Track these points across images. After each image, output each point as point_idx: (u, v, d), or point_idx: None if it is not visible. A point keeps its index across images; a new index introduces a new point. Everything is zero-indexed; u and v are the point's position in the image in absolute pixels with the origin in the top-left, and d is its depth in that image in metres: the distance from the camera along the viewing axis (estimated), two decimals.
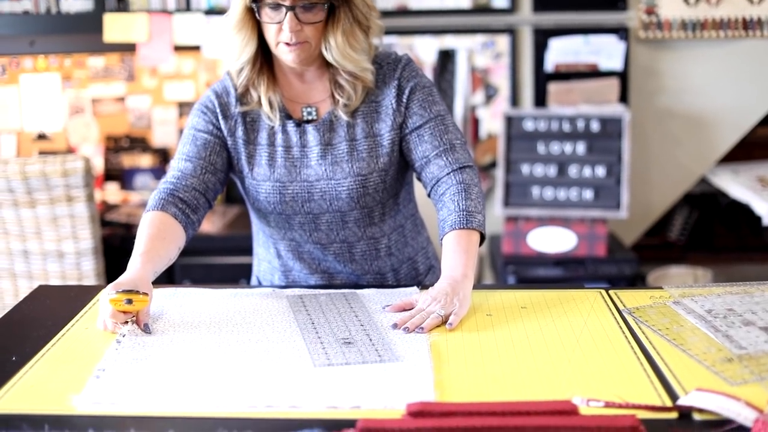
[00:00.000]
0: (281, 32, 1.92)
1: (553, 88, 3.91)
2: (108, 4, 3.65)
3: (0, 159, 3.08)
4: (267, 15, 1.92)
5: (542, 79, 3.97)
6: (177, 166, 2.07)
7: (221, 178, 2.09)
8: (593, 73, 3.95)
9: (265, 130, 2.07)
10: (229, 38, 2.00)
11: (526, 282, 3.67)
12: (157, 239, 1.94)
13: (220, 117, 2.07)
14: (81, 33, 3.72)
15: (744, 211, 4.23)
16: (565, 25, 3.95)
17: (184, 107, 4.13)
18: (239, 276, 3.41)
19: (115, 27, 3.65)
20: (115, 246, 3.36)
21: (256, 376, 1.50)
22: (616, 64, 3.94)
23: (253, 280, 2.33)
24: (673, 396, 1.41)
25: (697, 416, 1.34)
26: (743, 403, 1.32)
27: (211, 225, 3.51)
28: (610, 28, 3.93)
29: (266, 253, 2.23)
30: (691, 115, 4.01)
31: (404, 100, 2.05)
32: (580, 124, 3.69)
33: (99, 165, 4.05)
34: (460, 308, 1.76)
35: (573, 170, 3.71)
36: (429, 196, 2.09)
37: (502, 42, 3.96)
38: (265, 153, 2.06)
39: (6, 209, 3.04)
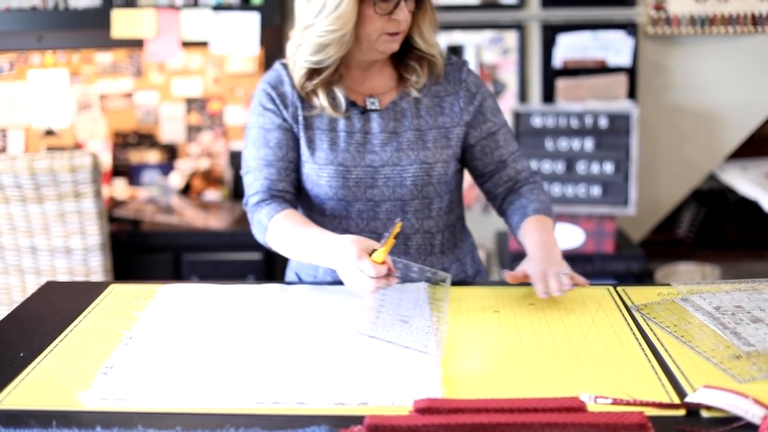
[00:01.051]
0: (389, 23, 1.94)
1: (561, 84, 3.90)
2: None
3: (8, 155, 3.08)
4: (380, 7, 1.93)
5: (550, 75, 3.97)
6: (260, 174, 2.06)
7: (298, 171, 2.11)
8: (601, 69, 3.94)
9: (325, 116, 2.07)
10: (324, 36, 1.94)
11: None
12: (312, 223, 1.98)
13: (281, 107, 2.07)
14: (89, 29, 3.72)
15: (752, 207, 4.22)
16: (573, 20, 3.94)
17: (191, 103, 4.13)
18: (246, 272, 3.41)
19: (122, 23, 3.65)
20: (122, 242, 3.37)
21: (264, 372, 1.50)
22: (625, 60, 3.93)
23: (290, 275, 2.28)
24: (681, 393, 1.41)
25: (705, 413, 1.33)
26: (751, 400, 1.32)
27: (218, 221, 3.52)
28: (619, 24, 3.92)
29: None
30: (699, 111, 4.00)
31: (476, 104, 2.11)
32: (588, 121, 3.68)
33: (107, 161, 4.05)
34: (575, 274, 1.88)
35: (581, 166, 3.70)
36: (495, 196, 2.19)
37: (511, 38, 3.96)
38: (326, 137, 2.06)
39: (14, 205, 3.04)
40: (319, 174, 2.06)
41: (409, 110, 2.08)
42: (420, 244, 2.12)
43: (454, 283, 2.01)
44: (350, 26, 1.93)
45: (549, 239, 2.03)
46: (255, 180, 2.07)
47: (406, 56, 2.08)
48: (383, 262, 1.70)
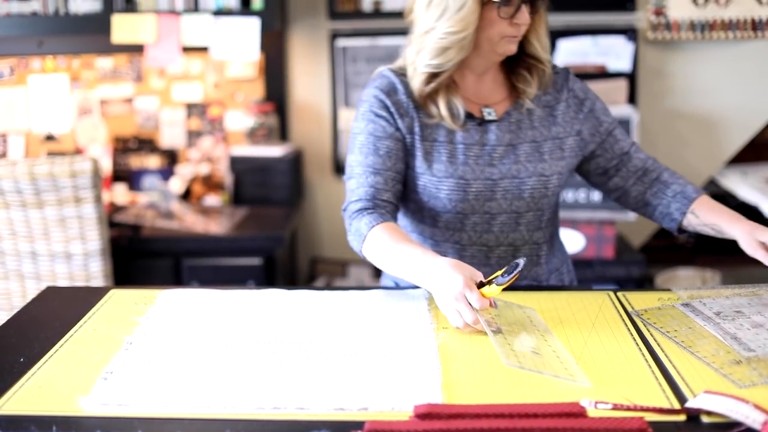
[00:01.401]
0: (510, 26, 1.96)
1: None
2: (116, 4, 3.66)
3: (8, 160, 3.08)
4: (503, 10, 1.95)
5: None
6: (365, 181, 2.02)
7: (404, 182, 2.09)
8: (602, 74, 3.94)
9: (442, 128, 2.05)
10: (445, 40, 1.95)
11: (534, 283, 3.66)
12: (412, 240, 1.91)
13: (396, 116, 2.05)
14: (89, 34, 3.72)
15: (753, 212, 4.22)
16: (573, 26, 3.95)
17: (191, 108, 4.13)
18: (247, 277, 3.41)
19: (123, 28, 3.65)
20: (122, 247, 3.37)
21: (264, 377, 1.50)
22: (625, 65, 3.93)
23: (386, 281, 2.27)
24: (682, 398, 1.40)
25: (705, 419, 1.33)
26: (752, 406, 1.31)
27: (218, 226, 3.52)
28: (619, 29, 3.92)
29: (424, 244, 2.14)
30: (699, 116, 4.00)
31: (585, 111, 2.14)
32: None
33: (107, 166, 4.05)
34: None
35: None
36: (627, 190, 2.16)
37: None
38: (445, 150, 2.04)
39: (14, 210, 3.05)
40: (438, 187, 2.04)
41: (523, 121, 2.09)
42: (528, 255, 2.13)
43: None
44: (471, 29, 1.94)
45: (734, 213, 2.06)
46: (359, 186, 2.03)
47: (517, 65, 2.10)
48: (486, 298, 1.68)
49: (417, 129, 2.05)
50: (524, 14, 1.95)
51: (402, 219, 2.19)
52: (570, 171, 2.14)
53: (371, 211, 1.98)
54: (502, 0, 1.93)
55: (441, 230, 2.10)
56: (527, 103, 2.09)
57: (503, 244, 2.10)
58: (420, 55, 2.01)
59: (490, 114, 2.07)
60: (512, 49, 2.01)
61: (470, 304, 1.66)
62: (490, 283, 1.69)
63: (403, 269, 1.85)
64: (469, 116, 2.06)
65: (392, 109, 2.05)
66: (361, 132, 2.07)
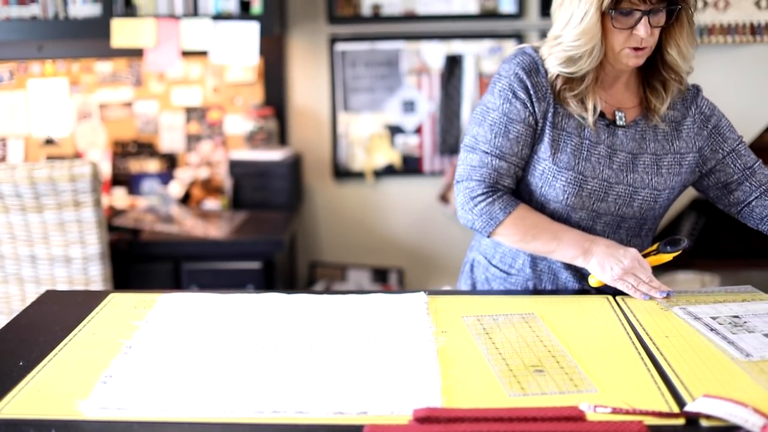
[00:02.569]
0: (631, 37, 1.93)
1: None
2: (116, 9, 3.66)
3: (8, 164, 3.08)
4: (619, 21, 1.92)
5: None
6: (491, 162, 2.06)
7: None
8: None
9: (573, 119, 2.05)
10: (572, 47, 1.96)
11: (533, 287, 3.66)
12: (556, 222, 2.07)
13: (534, 98, 2.05)
14: (89, 38, 3.72)
15: None
16: None
17: (191, 112, 4.13)
18: (246, 281, 3.41)
19: (122, 32, 3.65)
20: (122, 251, 3.37)
21: (263, 381, 1.50)
22: None
23: (476, 257, 2.29)
24: (681, 402, 1.41)
25: (704, 422, 1.33)
26: (751, 410, 1.32)
27: (218, 230, 3.52)
28: None
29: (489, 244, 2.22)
30: None
31: (710, 127, 2.12)
32: None
33: (106, 170, 4.05)
34: None
35: None
36: (748, 203, 2.13)
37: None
38: (572, 142, 2.05)
39: (13, 214, 3.05)
40: (556, 176, 2.04)
41: (649, 132, 2.08)
42: None
43: (449, 291, 2.01)
44: (596, 41, 1.93)
45: None
46: (482, 167, 2.06)
47: (653, 75, 2.07)
48: None
49: (550, 115, 2.05)
50: (643, 26, 1.91)
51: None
52: (685, 186, 2.15)
53: (501, 195, 2.05)
54: (616, 10, 1.91)
55: None
56: (656, 118, 2.07)
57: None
58: (550, 59, 2.02)
59: (621, 119, 2.07)
60: (635, 62, 1.98)
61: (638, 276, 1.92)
62: (657, 253, 2.00)
63: (562, 244, 2.02)
64: (601, 115, 2.06)
65: (531, 91, 2.05)
66: (495, 109, 2.07)
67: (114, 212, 3.79)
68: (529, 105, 2.04)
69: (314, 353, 1.63)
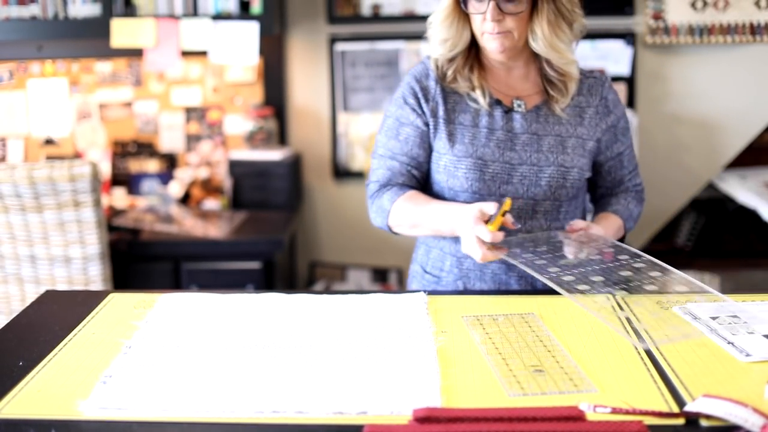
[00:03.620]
0: (485, 22, 2.02)
1: None
2: (115, 9, 3.66)
3: (7, 164, 3.08)
4: (472, 6, 2.03)
5: None
6: (384, 164, 2.21)
7: (425, 167, 2.21)
8: None
9: (468, 112, 2.15)
10: (439, 32, 2.10)
11: (533, 287, 3.66)
12: (435, 200, 2.14)
13: (422, 101, 2.18)
14: (88, 38, 3.72)
15: (751, 216, 4.22)
16: None
17: (191, 112, 4.13)
18: (246, 281, 3.41)
19: (122, 32, 3.65)
20: (122, 251, 3.37)
21: (263, 381, 1.50)
22: (624, 69, 3.94)
23: (415, 269, 2.35)
24: (680, 402, 1.41)
25: (704, 422, 1.33)
26: (751, 410, 1.32)
27: (217, 230, 3.52)
28: (618, 34, 3.93)
29: (440, 240, 2.24)
30: (698, 120, 4.01)
31: (609, 123, 2.21)
32: None
33: (106, 170, 4.05)
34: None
35: None
36: (594, 197, 2.36)
37: None
38: (468, 132, 2.14)
39: (13, 214, 3.05)
40: (456, 165, 2.12)
41: (551, 117, 2.15)
42: None
43: (452, 291, 2.01)
44: (456, 23, 2.07)
45: (604, 225, 2.14)
46: (378, 168, 2.22)
47: (544, 67, 2.15)
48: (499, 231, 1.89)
49: (441, 112, 2.16)
50: (492, 11, 1.99)
51: None
52: (589, 170, 2.20)
53: (389, 188, 2.18)
54: None
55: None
56: (556, 108, 2.15)
57: (521, 230, 2.13)
58: (430, 43, 2.16)
59: (519, 106, 2.15)
60: (494, 46, 2.05)
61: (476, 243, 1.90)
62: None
63: (432, 224, 2.09)
64: (498, 103, 2.15)
65: (419, 95, 2.18)
66: (390, 115, 2.23)
67: (114, 212, 3.79)
68: (417, 108, 2.18)
69: (314, 353, 1.63)
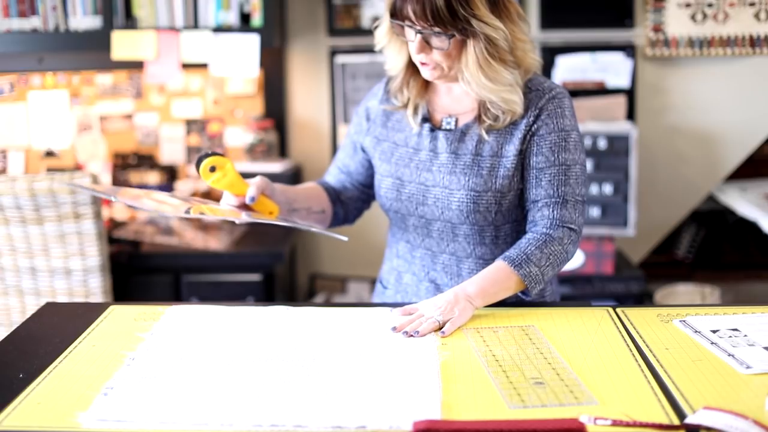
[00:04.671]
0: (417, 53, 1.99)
1: None
2: (116, 21, 3.67)
3: (8, 176, 3.09)
4: (400, 31, 2.00)
5: None
6: (331, 167, 2.36)
7: (361, 182, 2.29)
8: (600, 90, 3.96)
9: (402, 132, 2.16)
10: (383, 50, 2.12)
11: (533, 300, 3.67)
12: (302, 187, 2.26)
13: (363, 120, 2.26)
14: (89, 50, 3.73)
15: (751, 228, 4.23)
16: (572, 42, 3.96)
17: (191, 125, 4.14)
18: (246, 293, 3.41)
19: (123, 44, 3.66)
20: (122, 263, 3.37)
21: (263, 393, 1.50)
22: (624, 82, 3.95)
23: (378, 283, 2.38)
24: (681, 414, 1.40)
25: None
26: (751, 422, 1.32)
27: (218, 242, 3.52)
28: (618, 46, 3.94)
29: (389, 253, 2.29)
30: (698, 132, 4.01)
31: (534, 133, 2.03)
32: (587, 142, 3.69)
33: (106, 182, 4.05)
34: (459, 318, 1.82)
35: None
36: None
37: None
38: (397, 152, 2.15)
39: (14, 226, 3.05)
40: (380, 184, 2.17)
41: (476, 135, 2.06)
42: (473, 269, 2.10)
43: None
44: (392, 44, 2.07)
45: (476, 280, 1.93)
46: (328, 174, 2.35)
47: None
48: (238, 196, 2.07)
49: (378, 132, 2.21)
50: (416, 44, 1.95)
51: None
52: (515, 191, 2.06)
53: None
54: (394, 21, 1.98)
55: (395, 228, 2.23)
56: (482, 131, 2.04)
57: (445, 252, 2.13)
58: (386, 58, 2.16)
59: (449, 123, 2.10)
60: (426, 75, 2.02)
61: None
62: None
63: None
64: (426, 121, 2.12)
65: (363, 115, 2.26)
66: (350, 124, 2.33)
67: (114, 224, 3.80)
68: (359, 126, 2.26)
69: (314, 366, 1.62)
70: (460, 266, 2.12)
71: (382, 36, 2.08)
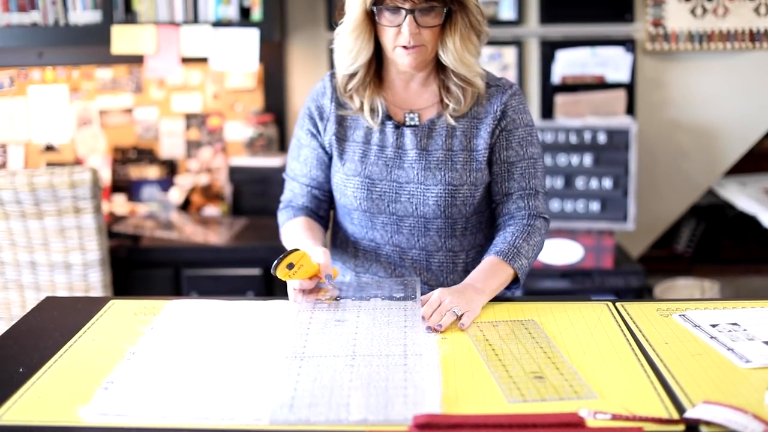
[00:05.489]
0: (399, 36, 1.94)
1: (560, 99, 3.91)
2: (116, 16, 3.66)
3: (8, 170, 3.09)
4: (386, 18, 1.94)
5: (549, 91, 3.98)
6: (288, 185, 2.25)
7: (328, 186, 2.19)
8: (600, 84, 3.95)
9: (361, 128, 2.11)
10: (345, 43, 2.01)
11: (533, 294, 3.67)
12: (311, 231, 2.12)
13: (317, 120, 2.15)
14: (89, 45, 3.73)
15: (751, 222, 4.23)
16: (572, 37, 3.96)
17: (191, 119, 4.13)
18: (246, 287, 3.41)
19: (122, 39, 3.66)
20: (122, 257, 3.37)
21: (263, 388, 1.50)
22: (623, 76, 3.94)
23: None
24: (680, 408, 1.41)
25: (704, 429, 1.33)
26: (751, 416, 1.32)
27: (217, 236, 3.52)
28: (617, 40, 3.93)
29: (342, 253, 2.25)
30: (697, 126, 4.01)
31: (504, 128, 2.07)
32: (587, 136, 3.69)
33: (106, 176, 4.05)
34: (474, 311, 1.84)
35: (580, 182, 3.71)
36: (496, 226, 2.14)
37: (509, 54, 3.97)
38: (359, 150, 2.10)
39: (14, 220, 3.05)
40: (345, 184, 2.11)
41: (445, 129, 2.07)
42: (442, 262, 2.13)
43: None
44: (363, 34, 1.97)
45: (479, 276, 1.97)
46: (285, 188, 2.27)
47: (447, 76, 2.06)
48: (312, 278, 1.93)
49: (334, 129, 2.13)
50: (410, 24, 1.91)
51: (335, 216, 2.28)
52: (484, 183, 2.10)
53: (289, 208, 2.23)
54: (377, 8, 1.93)
55: (357, 228, 2.17)
56: (449, 119, 2.06)
57: (415, 247, 2.12)
58: (335, 56, 2.07)
59: (412, 119, 2.09)
60: (408, 62, 1.97)
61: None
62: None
63: None
64: (389, 118, 2.09)
65: (315, 116, 2.16)
66: (295, 134, 2.23)
67: (114, 219, 3.80)
68: (313, 129, 2.17)
69: (314, 360, 1.63)
70: (430, 260, 2.13)
71: (352, 29, 1.98)
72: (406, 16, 1.91)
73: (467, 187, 2.05)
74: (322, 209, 2.23)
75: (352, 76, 2.07)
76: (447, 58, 2.00)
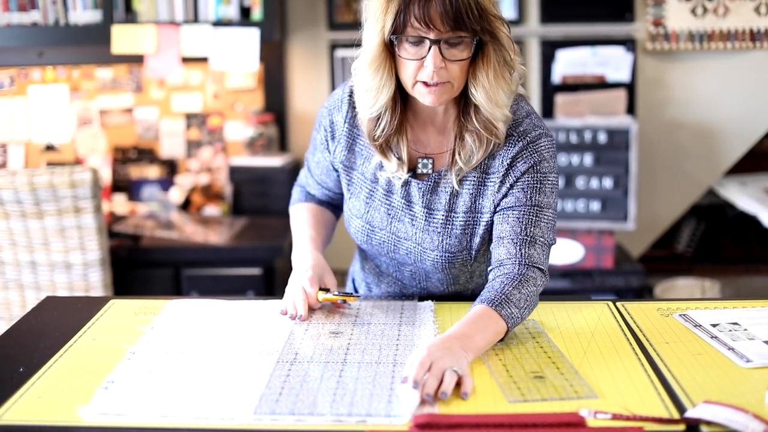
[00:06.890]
0: (422, 70, 1.72)
1: (560, 99, 3.91)
2: (116, 15, 3.66)
3: (8, 170, 3.08)
4: (406, 50, 1.71)
5: (549, 91, 3.98)
6: (305, 178, 2.18)
7: (335, 191, 2.12)
8: (600, 84, 3.95)
9: (371, 161, 1.93)
10: (363, 81, 1.80)
11: None
12: (317, 224, 2.10)
13: (329, 138, 2.00)
14: (89, 44, 3.73)
15: (752, 222, 4.23)
16: (572, 36, 3.96)
17: (191, 119, 4.13)
18: (246, 287, 3.41)
19: (123, 38, 3.66)
20: (122, 257, 3.37)
21: (263, 387, 1.50)
22: (624, 76, 3.94)
23: (349, 279, 2.35)
24: (681, 408, 1.41)
25: (704, 429, 1.33)
26: (751, 416, 1.32)
27: (218, 236, 3.52)
28: (618, 40, 3.93)
29: (356, 260, 2.24)
30: (698, 126, 4.01)
31: (510, 180, 1.84)
32: (588, 136, 3.69)
33: (107, 176, 4.05)
34: (467, 375, 1.51)
35: (580, 182, 3.71)
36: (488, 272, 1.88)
37: None
38: (366, 187, 1.96)
39: (14, 220, 3.05)
40: (350, 220, 2.02)
41: (449, 186, 1.88)
42: (447, 295, 2.04)
43: (457, 298, 2.01)
44: (381, 68, 1.75)
45: (464, 330, 1.63)
46: (302, 173, 2.19)
47: (467, 122, 1.83)
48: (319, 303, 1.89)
49: (343, 157, 1.98)
50: (434, 57, 1.68)
51: None
52: (486, 241, 1.91)
53: (302, 190, 2.20)
54: (397, 38, 1.71)
55: (364, 252, 2.14)
56: (453, 180, 1.87)
57: (417, 288, 2.04)
58: (356, 98, 1.88)
59: (425, 166, 1.90)
60: (431, 100, 1.75)
61: (303, 299, 1.85)
62: (327, 291, 1.91)
63: (294, 243, 2.06)
64: (400, 161, 1.90)
65: (327, 129, 2.00)
66: (314, 129, 2.11)
67: (114, 218, 3.80)
68: (324, 143, 2.03)
69: (315, 359, 1.63)
70: (434, 296, 2.03)
71: (370, 62, 1.76)
72: (430, 48, 1.68)
73: (465, 253, 1.90)
74: (335, 201, 2.14)
75: (378, 120, 1.84)
76: (478, 95, 1.76)
